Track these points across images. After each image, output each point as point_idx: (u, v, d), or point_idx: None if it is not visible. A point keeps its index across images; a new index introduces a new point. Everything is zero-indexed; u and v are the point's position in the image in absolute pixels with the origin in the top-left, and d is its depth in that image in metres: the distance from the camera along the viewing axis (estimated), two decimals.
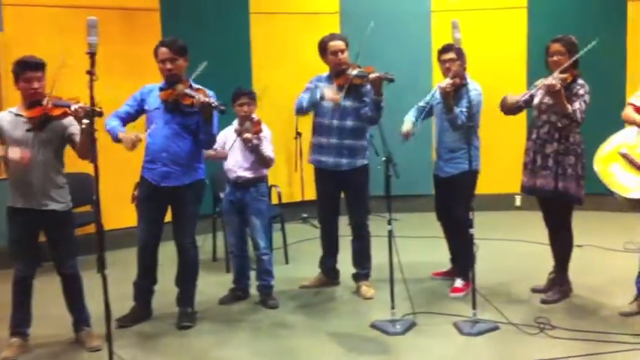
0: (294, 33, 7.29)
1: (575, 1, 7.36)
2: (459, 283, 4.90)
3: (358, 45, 4.67)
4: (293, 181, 7.41)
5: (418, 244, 6.02)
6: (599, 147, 4.29)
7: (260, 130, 4.60)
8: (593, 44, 4.24)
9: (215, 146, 4.54)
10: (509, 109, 4.59)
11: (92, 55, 3.26)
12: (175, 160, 4.26)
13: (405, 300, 4.56)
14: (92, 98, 3.35)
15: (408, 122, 4.87)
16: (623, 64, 7.28)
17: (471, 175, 4.68)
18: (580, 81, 4.43)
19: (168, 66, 4.22)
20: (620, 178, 4.10)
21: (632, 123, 4.21)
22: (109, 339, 3.40)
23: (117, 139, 4.12)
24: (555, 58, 4.44)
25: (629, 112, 4.27)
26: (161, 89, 4.30)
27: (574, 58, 4.37)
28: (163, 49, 4.23)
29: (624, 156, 4.13)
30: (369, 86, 4.60)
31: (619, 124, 4.31)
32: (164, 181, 4.27)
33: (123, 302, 4.36)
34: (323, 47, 4.79)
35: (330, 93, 4.62)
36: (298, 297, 4.96)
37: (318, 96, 4.66)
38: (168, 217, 4.42)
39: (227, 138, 4.74)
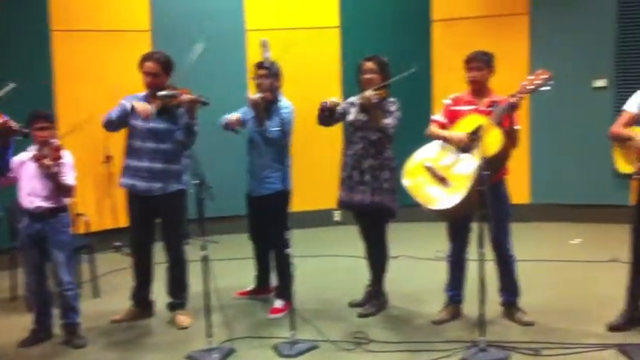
0: (101, 51, 6.91)
1: (385, 22, 7.64)
2: (278, 303, 4.83)
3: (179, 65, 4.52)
4: (103, 207, 6.99)
5: (237, 267, 5.89)
6: (407, 161, 4.43)
7: (59, 157, 4.25)
8: (410, 71, 4.43)
9: (10, 174, 4.22)
10: (325, 113, 4.63)
11: None
12: None
13: (223, 326, 4.40)
14: None
15: (234, 114, 4.85)
16: (428, 82, 7.67)
17: (285, 195, 4.65)
18: (391, 99, 4.60)
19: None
20: (425, 190, 4.24)
21: (437, 138, 4.39)
22: None
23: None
24: (368, 75, 4.58)
25: (433, 129, 4.45)
26: None
27: (389, 81, 4.52)
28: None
29: (429, 169, 4.28)
30: (184, 109, 4.44)
31: (426, 139, 4.47)
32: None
33: None
34: (140, 67, 4.57)
35: (140, 105, 4.40)
36: (109, 333, 4.61)
37: (129, 107, 4.43)
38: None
39: (23, 164, 4.34)
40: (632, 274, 4.24)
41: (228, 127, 4.91)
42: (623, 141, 4.16)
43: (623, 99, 4.43)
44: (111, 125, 4.57)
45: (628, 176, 4.17)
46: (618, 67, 7.18)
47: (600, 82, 7.28)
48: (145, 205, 4.63)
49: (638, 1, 7.07)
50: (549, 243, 6.71)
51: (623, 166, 4.20)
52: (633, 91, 4.30)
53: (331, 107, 4.60)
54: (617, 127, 4.21)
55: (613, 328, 4.24)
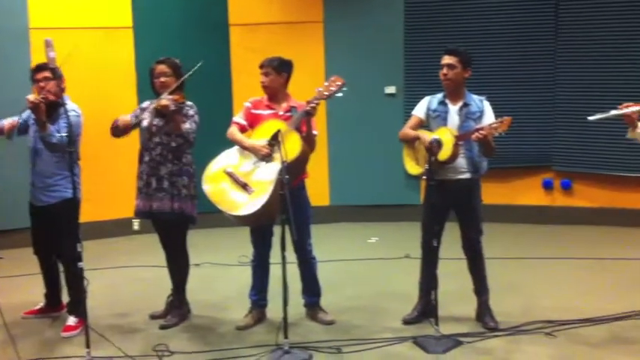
0: None
1: (180, 24, 7.47)
2: (71, 321, 4.49)
3: None
4: None
5: (25, 283, 5.43)
6: (208, 166, 4.34)
7: None
8: (198, 66, 4.31)
9: None
10: (122, 131, 4.40)
11: None
12: None
13: (7, 347, 4.01)
14: None
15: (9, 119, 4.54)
16: (228, 85, 7.63)
17: (73, 204, 4.33)
18: (189, 102, 4.47)
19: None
20: (227, 197, 4.18)
21: (236, 143, 4.35)
22: None
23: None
24: (162, 79, 4.42)
25: (234, 131, 4.40)
26: None
27: (181, 80, 4.39)
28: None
29: (230, 175, 4.23)
30: None
31: (227, 143, 4.41)
32: None
33: None
34: None
35: None
36: None
37: None
38: None
39: None
40: (422, 269, 4.50)
41: (2, 132, 4.51)
42: (411, 142, 4.42)
43: (412, 104, 4.70)
44: None
45: (416, 177, 4.42)
46: (407, 75, 7.63)
47: (391, 89, 7.70)
48: None
49: (423, 14, 7.57)
50: (348, 243, 6.96)
51: (412, 168, 4.45)
52: (420, 98, 4.58)
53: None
54: (406, 129, 4.47)
55: (407, 321, 4.47)
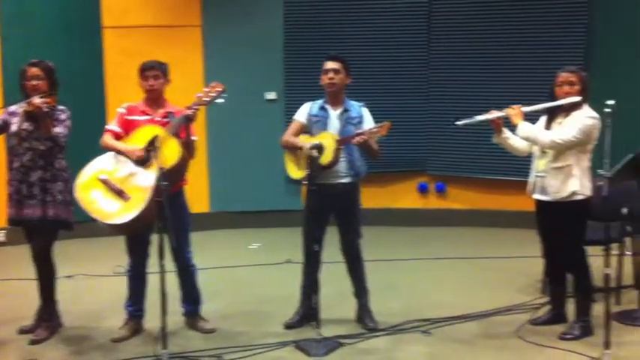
0: None
1: (49, 27, 7.11)
2: None
3: None
4: None
5: None
6: (80, 173, 4.15)
7: None
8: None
9: None
10: None
11: None
12: None
13: None
14: None
15: None
16: (102, 90, 7.37)
17: None
18: (60, 107, 4.30)
19: None
20: (101, 205, 4.01)
21: (112, 150, 4.19)
22: None
23: None
24: (34, 82, 4.24)
25: (106, 139, 4.25)
26: None
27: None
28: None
29: (105, 182, 4.07)
30: None
31: (101, 149, 4.24)
32: None
33: None
34: None
35: None
36: None
37: None
38: None
39: None
40: (304, 273, 4.53)
41: None
42: (293, 149, 4.44)
43: (292, 110, 4.73)
44: None
45: (298, 182, 4.45)
46: (287, 81, 7.68)
47: (271, 95, 7.72)
48: None
49: (303, 21, 7.64)
50: (229, 249, 6.90)
51: (295, 172, 4.47)
52: (301, 103, 4.63)
53: None
54: (288, 136, 4.49)
55: (289, 326, 4.48)
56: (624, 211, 4.50)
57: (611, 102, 3.80)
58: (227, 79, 4.45)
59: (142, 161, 4.08)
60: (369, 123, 4.45)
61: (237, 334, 4.41)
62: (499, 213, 7.48)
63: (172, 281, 4.32)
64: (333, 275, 4.74)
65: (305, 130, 4.51)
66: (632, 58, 6.87)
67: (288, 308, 4.60)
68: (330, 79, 4.39)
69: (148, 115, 4.32)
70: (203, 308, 4.60)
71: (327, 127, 4.40)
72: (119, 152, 4.15)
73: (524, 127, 4.19)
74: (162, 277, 3.83)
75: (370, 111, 4.54)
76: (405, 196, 7.90)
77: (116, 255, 4.79)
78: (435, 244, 6.93)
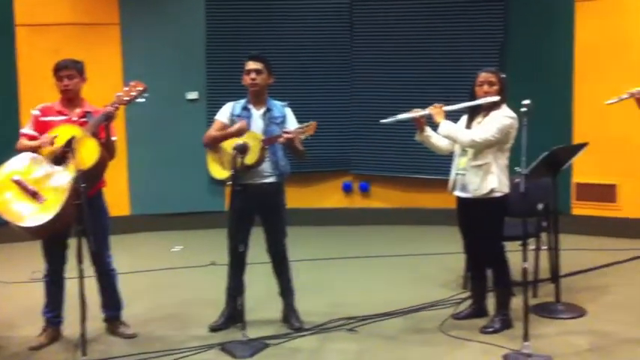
0: None
1: None
2: None
3: None
4: None
5: None
6: None
7: None
8: None
9: None
10: None
11: None
12: None
13: None
14: None
15: None
16: (15, 90, 7.09)
17: None
18: None
19: None
20: (14, 207, 3.84)
21: (26, 149, 4.03)
22: None
23: None
24: None
25: (21, 142, 4.09)
26: None
27: None
28: None
29: (18, 183, 3.90)
30: None
31: (14, 151, 4.07)
32: None
33: None
34: None
35: None
36: None
37: None
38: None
39: None
40: (229, 275, 4.47)
41: None
42: (215, 144, 4.39)
43: (214, 110, 4.68)
44: None
45: (222, 182, 4.39)
46: (209, 80, 7.58)
47: (193, 95, 7.60)
48: None
49: (225, 20, 7.57)
50: (151, 253, 6.75)
51: (218, 172, 4.41)
52: (223, 103, 4.58)
53: None
54: (213, 132, 4.44)
55: (214, 328, 4.42)
56: (540, 206, 4.70)
57: (526, 101, 3.92)
58: (147, 78, 4.35)
59: (59, 159, 3.93)
60: (292, 122, 4.45)
61: (160, 339, 4.31)
62: (422, 211, 7.62)
63: (92, 286, 4.19)
64: (259, 276, 4.71)
65: (226, 129, 4.46)
66: (546, 59, 7.12)
67: (213, 311, 4.54)
68: (253, 79, 4.36)
69: (64, 115, 4.17)
70: (124, 313, 4.48)
71: (251, 127, 4.37)
72: (35, 149, 3.99)
73: (445, 126, 4.27)
74: (81, 282, 3.71)
75: (294, 111, 4.54)
76: (330, 196, 7.93)
77: (33, 260, 4.61)
78: (360, 243, 6.99)
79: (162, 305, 5.03)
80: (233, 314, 4.41)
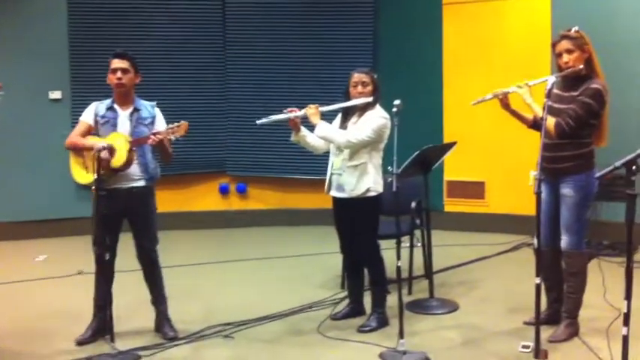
0: None
1: None
2: None
3: None
4: None
5: None
6: None
7: None
8: None
9: None
10: None
11: None
12: None
13: None
14: None
15: None
16: None
17: None
18: None
19: None
20: None
21: None
22: None
23: None
24: None
25: None
26: None
27: None
28: None
29: None
30: None
31: None
32: None
33: None
34: None
35: None
36: None
37: None
38: None
39: None
40: (96, 284, 4.23)
41: None
42: (80, 150, 4.15)
43: (80, 110, 4.43)
44: None
45: (86, 186, 4.14)
46: (73, 80, 7.20)
47: (56, 94, 7.20)
48: None
49: (89, 17, 7.20)
50: (12, 263, 6.31)
51: (82, 177, 4.17)
52: (89, 103, 4.34)
53: None
54: (74, 137, 4.18)
55: (81, 342, 4.16)
56: (413, 204, 4.78)
57: (397, 102, 3.95)
58: (5, 76, 4.05)
59: None
60: (161, 123, 4.27)
61: (19, 355, 4.03)
62: (299, 211, 7.60)
63: None
64: (129, 284, 4.49)
65: (92, 132, 4.22)
66: (416, 60, 7.29)
67: (80, 323, 4.28)
68: (119, 79, 4.15)
69: None
70: None
71: (117, 128, 4.15)
72: None
73: (322, 128, 4.25)
74: None
75: (164, 111, 4.36)
76: (205, 198, 7.75)
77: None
78: (236, 246, 6.86)
79: (24, 318, 4.70)
80: (101, 326, 4.17)
